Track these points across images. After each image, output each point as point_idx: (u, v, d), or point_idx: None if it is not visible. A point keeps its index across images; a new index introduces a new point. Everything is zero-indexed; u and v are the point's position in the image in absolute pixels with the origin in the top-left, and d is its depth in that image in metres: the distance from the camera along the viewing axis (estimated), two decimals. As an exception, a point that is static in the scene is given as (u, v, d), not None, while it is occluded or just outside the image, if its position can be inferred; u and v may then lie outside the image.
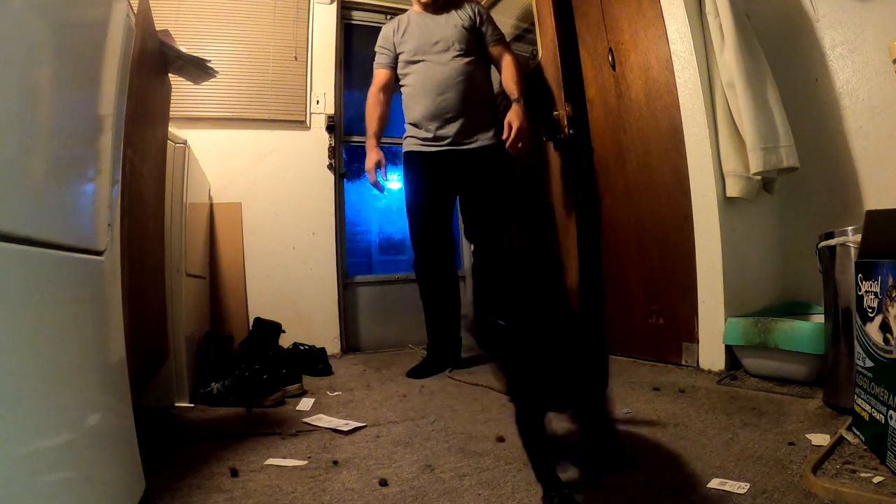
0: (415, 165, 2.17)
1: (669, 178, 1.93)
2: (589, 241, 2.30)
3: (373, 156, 2.22)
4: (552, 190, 2.40)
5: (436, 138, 2.12)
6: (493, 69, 2.27)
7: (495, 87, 2.32)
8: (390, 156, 3.00)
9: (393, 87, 2.26)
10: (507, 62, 2.15)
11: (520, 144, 2.04)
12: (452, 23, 2.16)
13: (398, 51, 2.19)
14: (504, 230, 2.15)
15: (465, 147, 2.12)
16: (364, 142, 2.88)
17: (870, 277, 1.01)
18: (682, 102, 1.85)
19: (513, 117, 2.03)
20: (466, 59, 2.12)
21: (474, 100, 2.13)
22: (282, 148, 2.57)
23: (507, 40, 2.28)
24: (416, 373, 2.03)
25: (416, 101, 2.14)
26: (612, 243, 2.22)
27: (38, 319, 0.57)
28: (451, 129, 2.11)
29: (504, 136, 2.03)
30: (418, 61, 2.14)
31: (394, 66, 2.21)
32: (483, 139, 2.13)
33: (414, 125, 2.16)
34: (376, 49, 2.25)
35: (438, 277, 2.17)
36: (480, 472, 1.02)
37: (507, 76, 2.13)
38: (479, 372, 1.99)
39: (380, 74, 2.24)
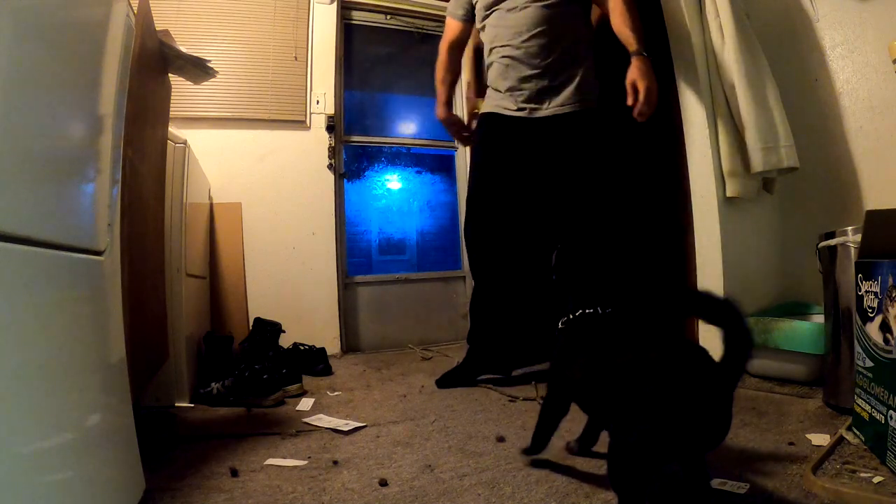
0: (485, 128, 1.86)
1: (669, 178, 1.93)
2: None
3: (441, 114, 1.97)
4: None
5: (509, 102, 1.80)
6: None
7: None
8: (389, 157, 3.01)
9: (464, 45, 1.99)
10: (618, 2, 1.64)
11: (646, 108, 1.58)
12: None
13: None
14: (591, 226, 1.73)
15: (536, 116, 1.75)
16: (364, 142, 2.91)
17: (870, 277, 1.01)
18: (683, 102, 1.85)
19: (636, 75, 1.56)
20: (548, 2, 1.73)
21: (556, 55, 1.73)
22: (282, 148, 2.57)
23: None
24: (444, 381, 1.80)
25: (489, 61, 1.86)
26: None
27: (38, 319, 0.57)
28: (523, 95, 1.76)
29: (629, 102, 1.58)
30: (492, 11, 1.81)
31: (468, 17, 1.93)
32: (562, 105, 1.73)
33: (490, 87, 1.87)
34: None
35: (489, 273, 1.84)
36: (480, 472, 1.02)
37: (616, 19, 1.65)
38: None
39: (448, 26, 1.98)
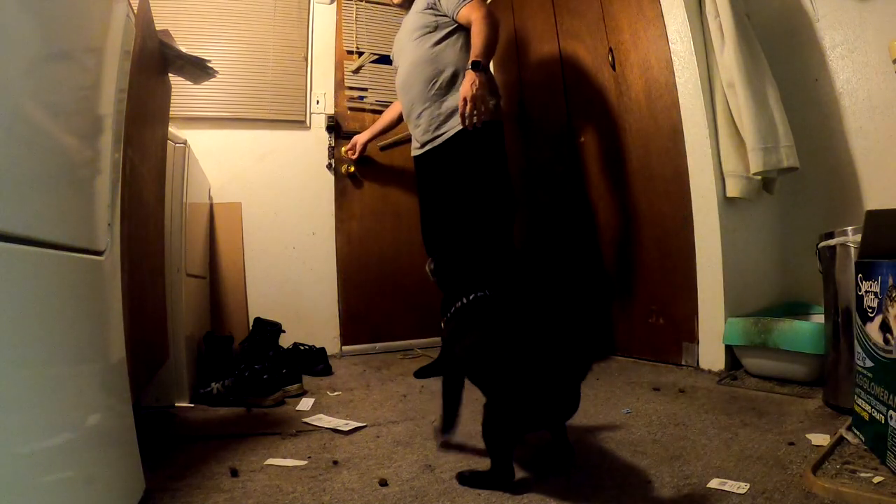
0: (415, 170, 2.16)
1: (669, 178, 1.93)
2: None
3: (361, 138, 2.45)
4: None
5: (415, 140, 2.07)
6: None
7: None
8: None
9: None
10: (475, 23, 1.82)
11: (474, 117, 1.75)
12: (416, 10, 1.99)
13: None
14: (467, 232, 1.87)
15: (436, 144, 1.96)
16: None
17: (870, 277, 1.01)
18: (682, 102, 1.85)
19: (463, 87, 1.75)
20: (432, 41, 1.92)
21: (441, 83, 1.92)
22: (282, 148, 2.57)
23: None
24: (422, 373, 1.98)
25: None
26: (611, 243, 2.22)
27: (38, 319, 0.57)
28: (420, 129, 1.98)
29: (460, 113, 1.77)
30: (398, 66, 2.08)
31: None
32: (452, 128, 1.91)
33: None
34: None
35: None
36: (480, 472, 1.02)
37: (472, 41, 1.83)
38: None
39: None
